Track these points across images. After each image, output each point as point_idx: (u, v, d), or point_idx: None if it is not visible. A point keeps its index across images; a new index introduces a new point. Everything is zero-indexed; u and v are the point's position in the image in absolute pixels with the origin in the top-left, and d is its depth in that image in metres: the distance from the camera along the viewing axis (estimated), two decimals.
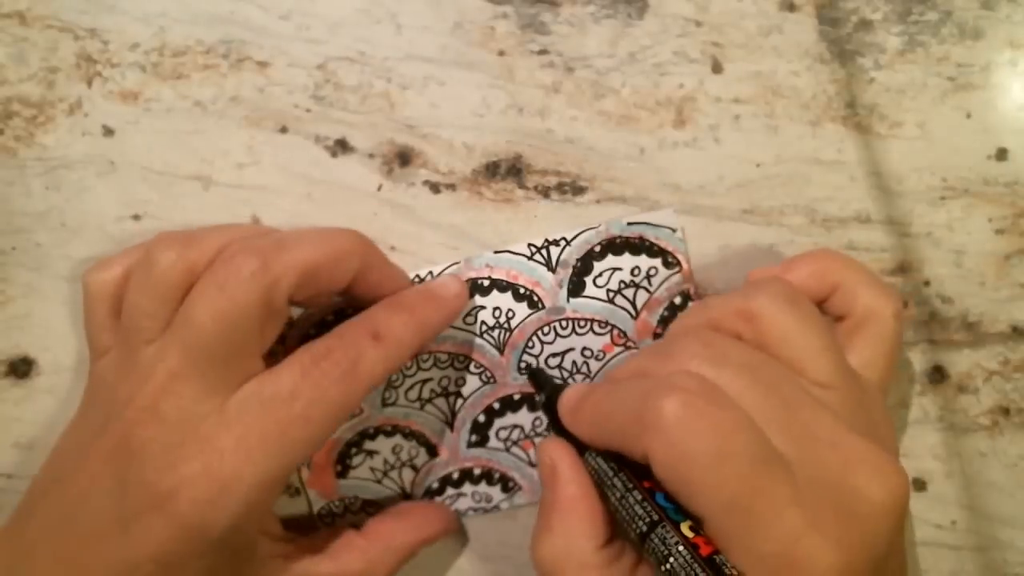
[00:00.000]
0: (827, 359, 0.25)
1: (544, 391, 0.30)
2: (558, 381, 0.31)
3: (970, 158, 0.32)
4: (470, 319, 0.31)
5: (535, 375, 0.31)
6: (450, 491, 0.32)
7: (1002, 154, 0.32)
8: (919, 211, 0.32)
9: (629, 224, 0.31)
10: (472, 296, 0.31)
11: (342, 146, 0.31)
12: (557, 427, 0.28)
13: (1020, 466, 0.32)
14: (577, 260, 0.31)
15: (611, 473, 0.26)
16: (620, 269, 0.31)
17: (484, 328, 0.31)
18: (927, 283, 0.32)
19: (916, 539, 0.32)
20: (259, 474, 0.24)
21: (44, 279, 0.31)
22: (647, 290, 0.31)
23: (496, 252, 0.31)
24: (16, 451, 0.31)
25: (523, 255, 0.31)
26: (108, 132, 0.31)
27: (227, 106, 0.31)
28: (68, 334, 0.31)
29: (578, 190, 0.31)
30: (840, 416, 0.24)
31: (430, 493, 0.32)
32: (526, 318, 0.31)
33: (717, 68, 0.31)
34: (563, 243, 0.31)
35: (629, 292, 0.31)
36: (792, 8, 0.31)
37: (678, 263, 0.31)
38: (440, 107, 0.31)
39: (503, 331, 0.31)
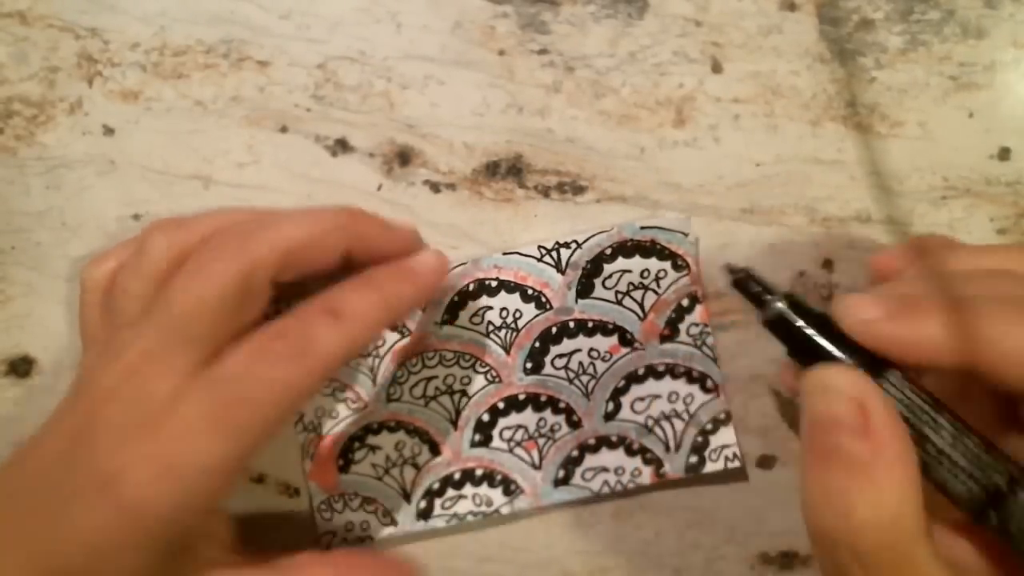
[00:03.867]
0: None
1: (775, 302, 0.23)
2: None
3: (972, 158, 0.32)
4: (476, 319, 0.31)
5: (750, 281, 0.24)
6: (451, 492, 0.32)
7: (1004, 154, 0.32)
8: (920, 211, 0.32)
9: (642, 228, 0.31)
10: (479, 296, 0.31)
11: (342, 146, 0.31)
12: (815, 353, 0.22)
13: None
14: (587, 262, 0.31)
15: (932, 411, 0.20)
16: (629, 271, 0.31)
17: (491, 328, 0.31)
18: None
19: None
20: (203, 457, 0.23)
21: (44, 278, 0.31)
22: (655, 292, 0.31)
23: (505, 253, 0.31)
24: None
25: (532, 257, 0.31)
26: (108, 131, 0.31)
27: (227, 105, 0.31)
28: (68, 333, 0.31)
29: (578, 189, 0.31)
30: None
31: (431, 493, 0.32)
32: (533, 318, 0.31)
33: (717, 68, 0.31)
34: (574, 246, 0.31)
35: (637, 294, 0.31)
36: (792, 8, 0.31)
37: (687, 265, 0.31)
38: (440, 107, 0.31)
39: (510, 331, 0.31)
